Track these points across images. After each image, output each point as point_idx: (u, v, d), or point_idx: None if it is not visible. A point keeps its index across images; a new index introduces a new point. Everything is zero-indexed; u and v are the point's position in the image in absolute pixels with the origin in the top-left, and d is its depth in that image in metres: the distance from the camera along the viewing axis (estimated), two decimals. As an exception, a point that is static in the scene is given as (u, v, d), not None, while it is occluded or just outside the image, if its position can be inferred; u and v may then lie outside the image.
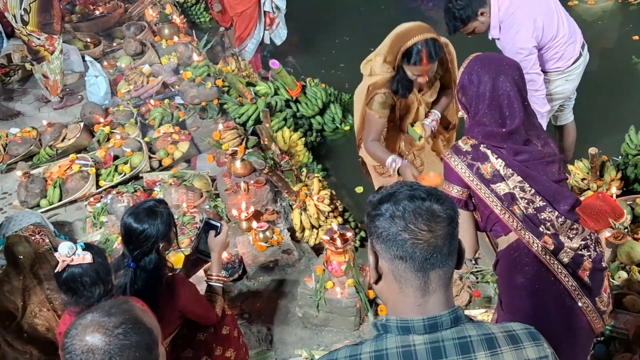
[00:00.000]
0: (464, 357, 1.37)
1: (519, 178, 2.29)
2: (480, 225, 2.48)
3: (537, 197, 2.30)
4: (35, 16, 5.53)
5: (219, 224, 3.00)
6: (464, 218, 2.39)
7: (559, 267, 2.33)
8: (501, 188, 2.30)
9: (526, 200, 2.30)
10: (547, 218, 2.31)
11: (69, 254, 2.45)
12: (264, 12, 6.08)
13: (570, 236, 2.35)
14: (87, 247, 2.53)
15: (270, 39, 6.35)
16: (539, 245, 2.31)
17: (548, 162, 2.34)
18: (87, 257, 2.46)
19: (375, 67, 3.56)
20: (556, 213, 2.30)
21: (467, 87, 2.35)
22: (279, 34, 6.33)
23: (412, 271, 1.39)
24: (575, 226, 2.34)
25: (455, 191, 2.37)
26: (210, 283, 3.02)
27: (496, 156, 2.30)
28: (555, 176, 2.35)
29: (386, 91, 3.52)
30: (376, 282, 1.48)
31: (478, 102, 2.32)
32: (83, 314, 1.61)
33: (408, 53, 3.37)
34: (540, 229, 2.32)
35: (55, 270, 2.51)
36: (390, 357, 1.38)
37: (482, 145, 2.33)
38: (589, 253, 2.38)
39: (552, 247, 2.32)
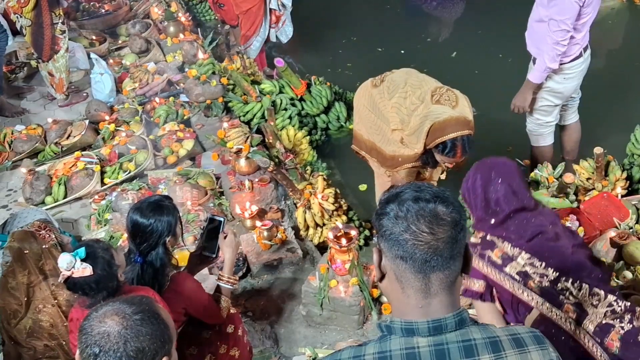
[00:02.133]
0: None
1: (527, 255, 2.39)
2: (507, 318, 2.57)
3: (549, 269, 2.35)
4: (29, 38, 5.66)
5: (222, 218, 3.01)
6: (488, 309, 2.54)
7: (586, 337, 2.30)
8: (513, 268, 2.40)
9: (539, 275, 2.35)
10: (564, 287, 2.33)
11: (69, 268, 2.48)
12: (270, 9, 6.07)
13: (594, 303, 2.31)
14: (89, 254, 2.52)
15: (277, 36, 6.34)
16: (562, 315, 2.32)
17: (551, 237, 2.45)
18: (87, 270, 2.48)
19: (408, 141, 3.73)
20: (570, 280, 2.32)
21: (464, 190, 2.67)
22: (285, 32, 6.32)
23: (413, 272, 1.40)
24: (595, 291, 2.30)
25: (476, 285, 2.51)
26: (220, 284, 3.02)
27: (502, 239, 2.45)
28: (569, 241, 2.45)
29: (416, 164, 3.82)
30: (380, 280, 1.49)
31: (476, 200, 2.59)
32: (104, 303, 1.66)
33: (443, 145, 3.58)
34: (560, 298, 2.33)
35: (59, 280, 2.55)
36: (393, 359, 1.38)
37: (488, 235, 2.50)
38: (621, 324, 2.28)
39: (574, 316, 2.31)
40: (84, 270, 2.47)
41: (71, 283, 2.52)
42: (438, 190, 1.44)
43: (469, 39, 7.15)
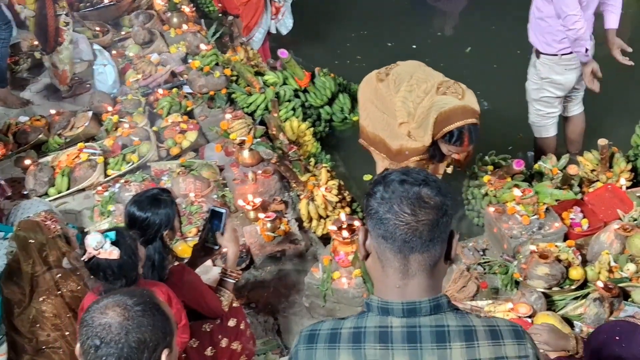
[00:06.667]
0: (439, 345, 1.39)
1: None
2: None
3: None
4: (33, 29, 5.70)
5: (223, 210, 2.99)
6: None
7: None
8: None
9: None
10: None
11: (97, 248, 2.42)
12: (270, 1, 6.05)
13: None
14: (118, 239, 2.46)
15: (277, 28, 6.31)
16: None
17: None
18: (114, 254, 2.42)
19: (415, 134, 3.73)
20: None
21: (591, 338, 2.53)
22: (285, 24, 6.28)
23: (392, 252, 1.43)
24: None
25: None
26: (222, 277, 3.01)
27: None
28: None
29: (424, 157, 3.81)
30: (364, 258, 1.53)
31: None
32: (105, 295, 1.66)
33: (450, 134, 3.58)
34: None
35: (82, 258, 2.49)
36: (366, 336, 1.42)
37: None
38: None
39: None
40: (111, 252, 2.40)
41: (94, 264, 2.45)
42: (425, 175, 1.47)
43: (482, 34, 7.01)
